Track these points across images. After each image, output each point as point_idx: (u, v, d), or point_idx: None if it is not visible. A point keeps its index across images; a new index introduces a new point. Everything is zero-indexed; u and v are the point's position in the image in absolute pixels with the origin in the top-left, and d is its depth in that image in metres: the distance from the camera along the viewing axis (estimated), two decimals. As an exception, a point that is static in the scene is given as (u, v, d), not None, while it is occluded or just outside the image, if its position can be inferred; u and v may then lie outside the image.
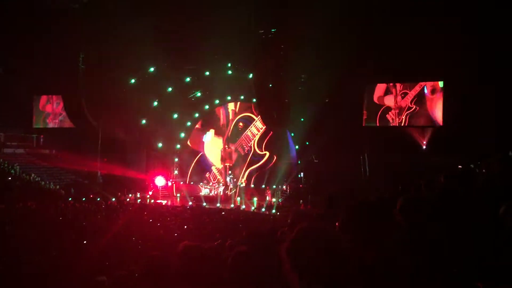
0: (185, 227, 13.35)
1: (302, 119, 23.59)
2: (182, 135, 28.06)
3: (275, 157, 25.70)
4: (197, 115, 28.09)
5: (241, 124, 27.24)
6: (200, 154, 28.27)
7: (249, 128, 26.77)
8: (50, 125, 28.26)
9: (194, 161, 28.24)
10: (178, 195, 25.51)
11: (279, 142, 25.01)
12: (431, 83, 21.82)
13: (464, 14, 16.61)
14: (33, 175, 24.76)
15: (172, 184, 27.23)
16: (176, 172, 28.38)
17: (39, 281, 5.16)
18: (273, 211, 21.49)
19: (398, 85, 22.41)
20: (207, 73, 25.23)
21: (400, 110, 22.36)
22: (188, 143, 28.56)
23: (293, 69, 21.22)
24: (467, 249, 3.01)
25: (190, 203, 23.74)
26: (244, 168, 26.87)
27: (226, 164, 27.18)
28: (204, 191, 25.97)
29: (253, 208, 22.88)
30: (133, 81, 24.11)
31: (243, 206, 23.16)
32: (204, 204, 23.51)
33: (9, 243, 8.03)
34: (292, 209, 15.94)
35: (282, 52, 21.35)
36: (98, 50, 21.77)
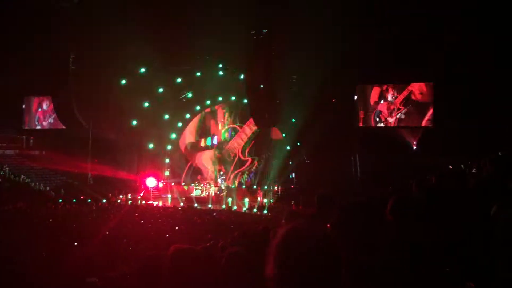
0: (177, 228, 13.31)
1: (293, 120, 23.63)
2: (173, 136, 27.96)
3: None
4: (188, 116, 28.02)
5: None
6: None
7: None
8: (40, 126, 28.06)
9: (188, 166, 28.25)
10: (169, 196, 25.43)
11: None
12: (422, 84, 21.97)
13: (457, 16, 16.74)
14: (22, 176, 24.54)
15: (164, 185, 27.15)
16: (167, 173, 28.28)
17: (29, 282, 5.10)
18: (265, 211, 21.50)
19: (390, 89, 22.52)
20: (199, 74, 25.17)
21: (392, 111, 22.48)
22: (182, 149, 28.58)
23: (284, 70, 21.26)
24: (459, 249, 3.02)
25: (182, 204, 23.66)
26: (232, 171, 26.97)
27: (216, 166, 27.28)
28: (196, 192, 25.91)
29: (244, 209, 22.86)
30: (124, 81, 23.99)
31: (235, 207, 23.14)
32: (196, 205, 23.45)
33: (-2, 245, 7.95)
34: (286, 210, 15.90)
35: (273, 53, 21.38)
36: (89, 50, 21.66)
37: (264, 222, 15.47)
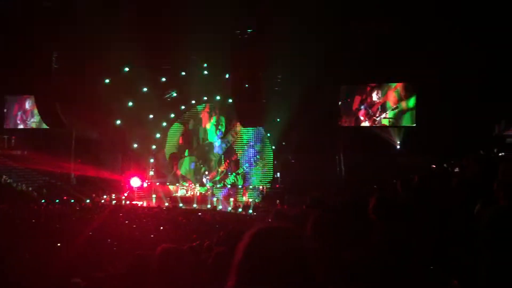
0: (161, 228, 13.25)
1: (278, 120, 23.71)
2: (158, 135, 27.82)
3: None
4: (173, 115, 27.91)
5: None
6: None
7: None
8: (22, 126, 27.68)
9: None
10: (154, 196, 25.30)
11: None
12: (404, 84, 22.21)
13: (438, 16, 16.94)
14: (4, 176, 24.18)
15: (148, 185, 27.01)
16: (151, 173, 28.14)
17: (12, 284, 5.04)
18: (250, 211, 21.52)
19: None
20: (183, 73, 25.07)
21: (375, 111, 22.66)
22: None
23: (269, 69, 21.30)
24: (443, 248, 3.06)
25: (167, 204, 23.57)
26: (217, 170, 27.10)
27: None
28: (181, 192, 25.82)
29: (229, 208, 22.86)
30: (107, 81, 23.78)
31: (220, 207, 23.11)
32: (181, 205, 23.37)
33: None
34: (273, 210, 15.93)
35: (258, 53, 21.38)
36: (72, 49, 21.42)
37: (249, 222, 15.52)
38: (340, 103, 23.22)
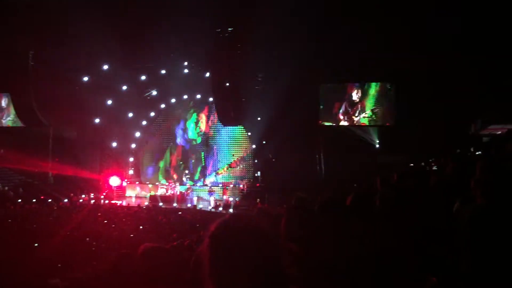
0: (141, 227, 13.17)
1: (259, 118, 23.74)
2: (138, 134, 27.58)
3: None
4: (153, 114, 27.71)
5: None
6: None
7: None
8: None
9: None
10: (133, 195, 25.09)
11: None
12: (383, 84, 22.47)
13: (414, 15, 17.15)
14: (-21, 176, 23.75)
15: (128, 184, 26.77)
16: (131, 171, 27.90)
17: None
18: (230, 210, 21.48)
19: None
20: (163, 71, 24.91)
21: (354, 110, 22.87)
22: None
23: (250, 68, 21.30)
24: (421, 245, 3.10)
25: (146, 203, 23.39)
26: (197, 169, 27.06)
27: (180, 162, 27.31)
28: (160, 191, 25.65)
29: (210, 207, 22.79)
30: (86, 79, 23.48)
31: (200, 206, 23.04)
32: (161, 204, 23.21)
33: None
34: (256, 208, 15.95)
35: (239, 51, 21.37)
36: (49, 46, 21.08)
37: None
38: (320, 102, 23.36)
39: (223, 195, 24.25)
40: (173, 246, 4.48)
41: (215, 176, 26.68)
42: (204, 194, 24.84)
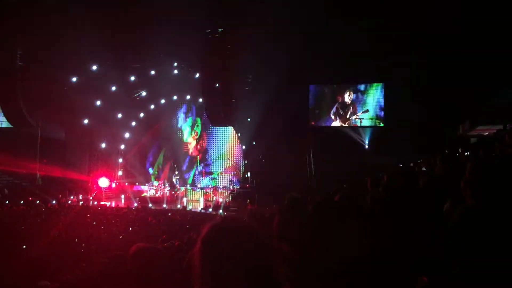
0: (131, 229, 13.09)
1: (249, 119, 23.75)
2: (127, 135, 27.42)
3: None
4: (142, 115, 27.59)
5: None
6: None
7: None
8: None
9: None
10: (123, 196, 24.95)
11: None
12: (373, 86, 22.61)
13: (405, 17, 17.28)
14: (-35, 177, 23.45)
15: (117, 185, 26.62)
16: (120, 173, 27.74)
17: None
18: (220, 211, 21.45)
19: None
20: (153, 72, 24.81)
21: (345, 111, 22.98)
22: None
23: (239, 69, 21.30)
24: (412, 245, 3.12)
25: (135, 204, 23.27)
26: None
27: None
28: (150, 192, 25.54)
29: (200, 208, 22.74)
30: (74, 79, 23.30)
31: (190, 207, 22.98)
32: (150, 205, 23.11)
33: None
34: (248, 210, 15.99)
35: (228, 52, 21.36)
36: (38, 47, 20.88)
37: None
38: (310, 102, 23.44)
39: (213, 196, 24.23)
40: (164, 247, 4.46)
41: (210, 180, 26.63)
42: (194, 196, 24.80)
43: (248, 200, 21.64)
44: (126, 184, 26.79)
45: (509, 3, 14.77)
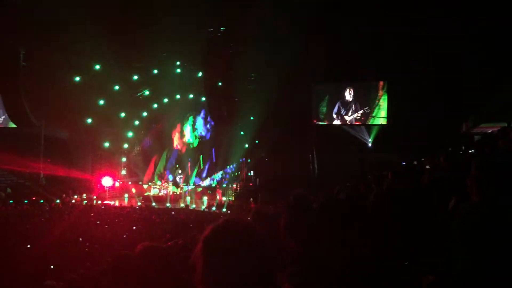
0: (134, 228, 13.10)
1: (251, 118, 23.74)
2: (130, 134, 27.44)
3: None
4: (145, 114, 27.61)
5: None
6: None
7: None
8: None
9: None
10: (126, 195, 24.99)
11: None
12: (376, 83, 22.56)
13: (408, 14, 17.24)
14: (-31, 177, 23.52)
15: (121, 184, 26.65)
16: (123, 172, 27.77)
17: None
18: (224, 209, 21.46)
19: (346, 93, 23.00)
20: (156, 71, 24.82)
21: (347, 110, 22.94)
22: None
23: (242, 67, 21.29)
24: (418, 243, 3.11)
25: (139, 203, 23.31)
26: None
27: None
28: (153, 191, 25.57)
29: (203, 207, 22.75)
30: (78, 79, 23.34)
31: (193, 206, 22.99)
32: (154, 204, 23.14)
33: None
34: (253, 208, 15.91)
35: (231, 51, 21.36)
36: (41, 46, 20.91)
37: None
38: (313, 101, 23.41)
39: (216, 194, 24.24)
40: (168, 246, 4.46)
41: (210, 180, 26.63)
42: (197, 194, 24.80)
43: (251, 199, 21.63)
44: (130, 183, 26.84)
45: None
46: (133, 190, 25.68)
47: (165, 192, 25.23)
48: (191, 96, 26.70)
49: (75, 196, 24.00)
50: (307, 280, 1.82)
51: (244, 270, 1.37)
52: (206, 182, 26.58)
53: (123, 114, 26.17)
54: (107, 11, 19.28)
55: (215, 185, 25.51)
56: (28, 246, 8.50)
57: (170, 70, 24.56)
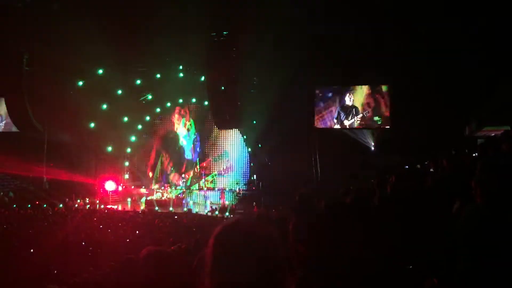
0: (137, 232, 13.11)
1: (254, 122, 23.76)
2: (133, 138, 27.49)
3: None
4: (148, 118, 27.67)
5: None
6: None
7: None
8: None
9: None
10: (129, 199, 25.02)
11: None
12: (378, 86, 22.53)
13: (409, 16, 17.24)
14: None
15: (124, 188, 26.69)
16: (126, 176, 27.80)
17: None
18: (227, 214, 21.45)
19: (347, 96, 22.98)
20: (158, 75, 24.88)
21: (349, 113, 22.91)
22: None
23: (245, 71, 21.32)
24: (421, 246, 3.10)
25: (142, 207, 23.32)
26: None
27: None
28: (156, 195, 25.59)
29: (206, 211, 22.74)
30: (81, 83, 23.42)
31: (196, 210, 22.99)
32: (156, 208, 23.15)
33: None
34: (257, 212, 15.97)
35: (234, 55, 21.38)
36: (44, 51, 20.98)
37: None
38: (315, 105, 23.39)
39: (220, 199, 24.24)
40: (173, 250, 4.45)
41: (211, 179, 26.59)
42: (200, 199, 24.81)
43: (254, 203, 21.62)
44: (133, 187, 26.88)
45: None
46: (136, 194, 25.72)
47: (168, 196, 25.25)
48: (193, 100, 26.76)
49: (78, 201, 24.04)
50: (314, 284, 1.83)
51: (252, 269, 1.39)
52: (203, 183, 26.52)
53: (126, 119, 26.22)
54: (110, 16, 19.36)
55: (217, 189, 25.51)
56: (31, 250, 8.51)
57: (173, 75, 24.62)
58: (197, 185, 26.50)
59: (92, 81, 23.54)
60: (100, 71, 23.59)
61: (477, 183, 2.78)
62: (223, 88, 22.13)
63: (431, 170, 7.70)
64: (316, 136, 23.29)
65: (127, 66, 23.18)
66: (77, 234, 11.61)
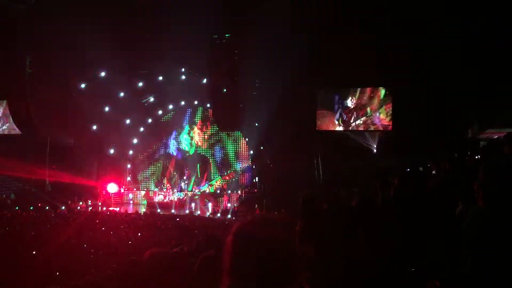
0: (139, 234, 13.11)
1: (256, 124, 23.77)
2: (135, 141, 27.52)
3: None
4: (150, 120, 27.70)
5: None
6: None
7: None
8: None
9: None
10: (131, 202, 25.05)
11: None
12: (380, 89, 22.50)
13: (411, 20, 17.24)
14: (-25, 184, 23.61)
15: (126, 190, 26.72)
16: (129, 178, 27.83)
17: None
18: (229, 216, 21.45)
19: (349, 99, 22.98)
20: (160, 78, 24.91)
21: (351, 115, 22.90)
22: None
23: (247, 74, 21.34)
24: (423, 248, 3.09)
25: (144, 209, 23.34)
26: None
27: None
28: (158, 197, 25.61)
29: (208, 213, 22.75)
30: (83, 85, 23.46)
31: (198, 212, 22.99)
32: (159, 210, 23.17)
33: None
34: (257, 215, 15.92)
35: (236, 57, 21.42)
36: (47, 53, 21.05)
37: (229, 227, 15.41)
38: (317, 107, 23.38)
39: (222, 201, 24.26)
40: (175, 252, 4.46)
41: (208, 187, 26.56)
42: (202, 200, 24.81)
43: (256, 205, 21.61)
44: (135, 189, 26.91)
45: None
46: (138, 196, 25.76)
47: (170, 199, 25.26)
48: (195, 102, 26.79)
49: (81, 203, 24.08)
50: (322, 285, 1.85)
51: (271, 264, 1.43)
52: (204, 190, 26.48)
53: (128, 121, 26.25)
54: (112, 18, 19.41)
55: (219, 191, 25.51)
56: (34, 252, 8.52)
57: (175, 77, 24.65)
58: (199, 187, 26.51)
59: (94, 84, 23.58)
60: (103, 74, 23.63)
61: (480, 186, 2.77)
62: (224, 90, 22.21)
63: (433, 172, 7.69)
64: (318, 138, 23.27)
65: (129, 68, 23.20)
66: (79, 236, 11.61)
